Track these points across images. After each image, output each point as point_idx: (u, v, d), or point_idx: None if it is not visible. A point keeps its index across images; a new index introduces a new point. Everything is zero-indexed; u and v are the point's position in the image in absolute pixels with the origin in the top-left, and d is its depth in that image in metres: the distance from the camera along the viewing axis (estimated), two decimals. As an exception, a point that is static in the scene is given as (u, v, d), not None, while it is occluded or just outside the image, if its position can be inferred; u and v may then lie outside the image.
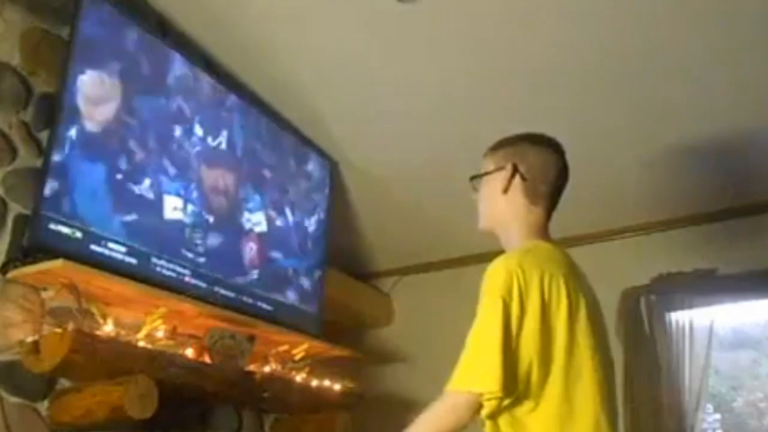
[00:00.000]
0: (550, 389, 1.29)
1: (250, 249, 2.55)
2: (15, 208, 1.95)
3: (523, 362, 1.28)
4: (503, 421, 1.31)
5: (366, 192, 3.19)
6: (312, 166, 2.95)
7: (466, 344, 1.32)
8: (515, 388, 1.26)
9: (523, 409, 1.29)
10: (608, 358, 1.45)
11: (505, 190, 1.52)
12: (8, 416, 1.80)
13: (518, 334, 1.28)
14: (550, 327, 1.31)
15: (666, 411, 2.82)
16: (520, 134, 1.58)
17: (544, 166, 1.53)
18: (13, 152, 1.98)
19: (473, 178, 1.60)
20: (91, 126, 2.01)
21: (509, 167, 1.53)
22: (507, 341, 1.26)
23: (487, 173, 1.57)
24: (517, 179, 1.52)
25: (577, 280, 1.41)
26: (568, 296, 1.34)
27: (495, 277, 1.33)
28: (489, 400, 1.25)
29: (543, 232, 1.52)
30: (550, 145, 1.56)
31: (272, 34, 2.48)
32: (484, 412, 1.28)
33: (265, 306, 2.54)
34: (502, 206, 1.54)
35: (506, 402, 1.27)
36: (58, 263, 1.80)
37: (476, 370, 1.27)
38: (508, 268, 1.33)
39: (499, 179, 1.53)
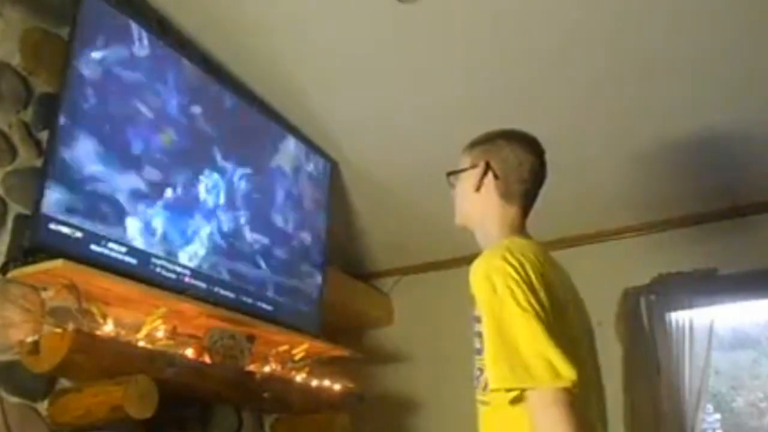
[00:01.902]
0: None
1: (253, 250, 2.55)
2: (15, 208, 1.94)
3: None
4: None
5: (366, 192, 3.19)
6: (312, 166, 2.95)
7: (499, 342, 1.25)
8: (528, 379, 1.21)
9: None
10: (593, 355, 1.43)
11: (478, 188, 1.52)
12: (8, 416, 1.80)
13: (527, 325, 1.24)
14: (546, 313, 1.27)
15: (666, 411, 2.82)
16: (498, 131, 1.56)
17: (519, 164, 1.50)
18: (13, 152, 1.98)
19: (449, 174, 1.60)
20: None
21: (482, 165, 1.52)
22: (506, 339, 1.23)
23: (462, 170, 1.56)
24: (490, 177, 1.51)
25: (556, 275, 1.39)
26: (549, 288, 1.30)
27: (483, 274, 1.31)
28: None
29: (519, 229, 1.50)
30: (527, 143, 1.53)
31: (272, 34, 2.48)
32: (510, 397, 1.24)
33: (265, 306, 2.54)
34: (475, 204, 1.53)
35: None
36: (58, 263, 1.80)
37: (554, 365, 1.20)
38: (493, 264, 1.31)
39: (472, 177, 1.53)
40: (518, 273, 1.28)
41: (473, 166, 1.54)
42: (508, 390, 1.24)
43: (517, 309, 1.25)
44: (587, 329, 1.46)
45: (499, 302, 1.27)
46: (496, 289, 1.27)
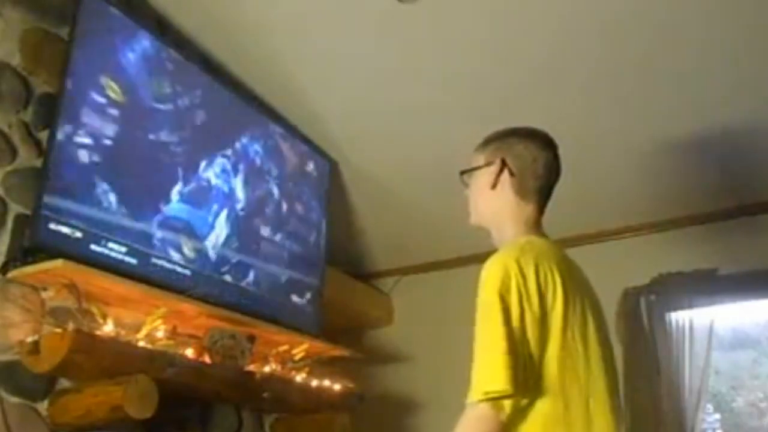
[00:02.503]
0: (546, 381, 1.28)
1: (253, 250, 2.55)
2: (15, 208, 1.94)
3: (527, 357, 1.26)
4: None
5: (366, 192, 3.19)
6: (312, 166, 2.95)
7: (474, 351, 1.29)
8: (526, 385, 1.24)
9: (524, 402, 1.27)
10: (608, 352, 1.44)
11: (494, 186, 1.51)
12: (8, 416, 1.80)
13: (521, 330, 1.26)
14: (548, 321, 1.30)
15: (666, 411, 2.82)
16: (510, 128, 1.56)
17: (533, 161, 1.50)
18: (13, 152, 1.98)
19: (463, 173, 1.59)
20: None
21: (497, 162, 1.51)
22: (510, 339, 1.24)
23: (476, 168, 1.56)
24: (506, 174, 1.50)
25: (571, 275, 1.39)
26: (564, 290, 1.32)
27: (492, 274, 1.31)
28: (502, 399, 1.23)
29: (536, 227, 1.50)
30: (541, 140, 1.54)
31: (272, 34, 2.48)
32: (503, 416, 1.24)
33: (265, 306, 2.54)
34: (491, 202, 1.53)
35: (524, 402, 1.26)
36: (58, 263, 1.80)
37: (486, 375, 1.24)
38: (504, 264, 1.32)
39: (487, 174, 1.52)
40: (525, 281, 1.29)
41: (488, 164, 1.53)
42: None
43: (508, 317, 1.26)
44: (602, 329, 1.46)
45: (497, 304, 1.27)
46: (499, 290, 1.28)
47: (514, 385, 1.21)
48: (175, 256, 2.21)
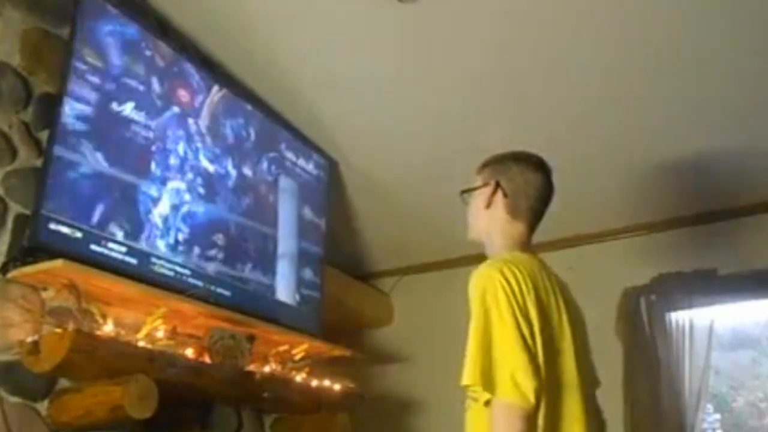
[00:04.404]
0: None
1: (253, 250, 2.55)
2: (15, 208, 1.94)
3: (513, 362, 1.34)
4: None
5: (366, 192, 3.19)
6: (312, 166, 2.95)
7: (477, 345, 1.37)
8: (490, 385, 1.32)
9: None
10: (588, 368, 1.53)
11: (488, 206, 1.62)
12: (8, 416, 1.80)
13: (503, 335, 1.35)
14: (528, 326, 1.38)
15: (666, 411, 2.82)
16: (507, 153, 1.68)
17: (525, 183, 1.61)
18: (13, 152, 1.98)
19: (463, 192, 1.71)
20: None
21: (492, 183, 1.63)
22: (484, 343, 1.35)
23: (474, 188, 1.68)
24: (499, 195, 1.62)
25: (553, 288, 1.49)
26: (539, 301, 1.41)
27: (477, 284, 1.42)
28: (475, 393, 1.33)
29: (523, 245, 1.60)
30: (534, 163, 1.64)
31: (272, 33, 2.48)
32: (484, 399, 1.34)
33: (264, 306, 2.54)
34: (485, 220, 1.64)
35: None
36: (58, 263, 1.80)
37: (511, 379, 1.32)
38: (489, 274, 1.42)
39: (483, 195, 1.64)
40: (509, 285, 1.39)
41: (485, 185, 1.65)
42: (474, 389, 1.36)
43: (499, 319, 1.36)
44: (581, 336, 1.54)
45: (485, 309, 1.37)
46: (486, 297, 1.38)
47: (476, 383, 1.32)
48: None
